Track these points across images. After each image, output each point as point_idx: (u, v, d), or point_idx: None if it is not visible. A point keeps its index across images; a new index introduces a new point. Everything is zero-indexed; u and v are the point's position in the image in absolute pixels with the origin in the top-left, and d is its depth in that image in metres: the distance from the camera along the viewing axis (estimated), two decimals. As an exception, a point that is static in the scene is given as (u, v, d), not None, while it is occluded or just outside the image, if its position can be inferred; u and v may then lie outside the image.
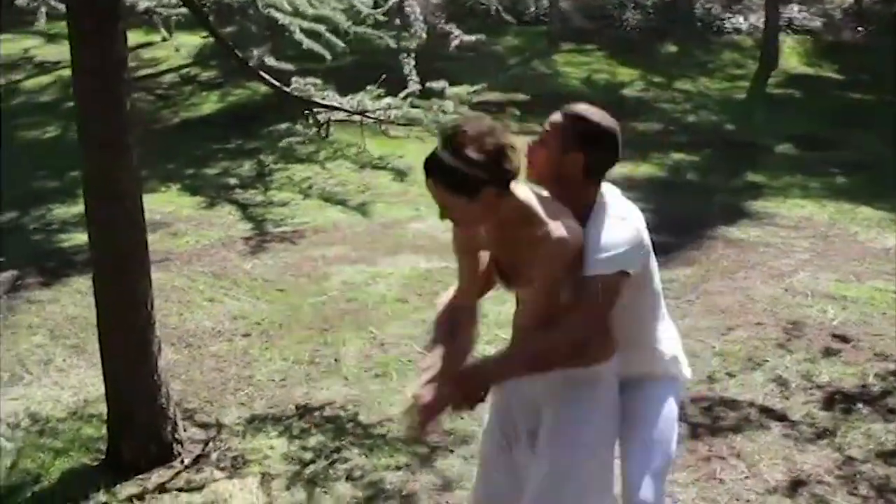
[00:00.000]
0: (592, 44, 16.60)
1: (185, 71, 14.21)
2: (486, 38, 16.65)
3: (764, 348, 5.66)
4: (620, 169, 10.82)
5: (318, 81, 4.63)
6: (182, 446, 4.29)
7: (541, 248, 2.63)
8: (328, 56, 5.14)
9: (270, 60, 5.64)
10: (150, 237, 7.51)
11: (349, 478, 4.18)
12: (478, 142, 2.54)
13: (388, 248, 7.65)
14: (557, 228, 2.63)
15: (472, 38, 6.82)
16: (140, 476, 4.12)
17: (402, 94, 5.04)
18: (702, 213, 8.81)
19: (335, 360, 5.49)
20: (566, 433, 2.80)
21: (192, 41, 14.91)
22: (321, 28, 4.99)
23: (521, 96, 5.32)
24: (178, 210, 8.72)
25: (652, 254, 2.86)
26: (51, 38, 14.80)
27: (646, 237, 2.77)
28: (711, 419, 4.84)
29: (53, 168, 9.93)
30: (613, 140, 2.77)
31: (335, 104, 4.71)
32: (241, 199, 9.20)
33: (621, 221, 2.72)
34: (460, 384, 2.62)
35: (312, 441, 4.52)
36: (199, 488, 4.07)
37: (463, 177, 2.54)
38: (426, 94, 5.22)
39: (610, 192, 2.82)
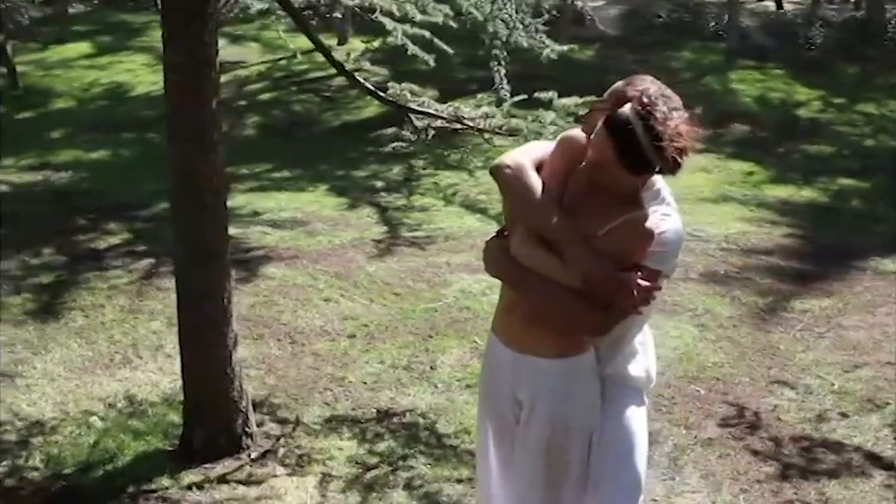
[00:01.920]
0: (772, 62, 15.94)
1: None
2: (663, 53, 16.37)
3: (888, 390, 5.27)
4: (777, 191, 10.35)
5: (415, 87, 4.62)
6: (252, 440, 4.36)
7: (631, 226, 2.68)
8: (431, 62, 5.12)
9: (366, 64, 5.66)
10: (286, 234, 7.95)
11: (408, 486, 4.15)
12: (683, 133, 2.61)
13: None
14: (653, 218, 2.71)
15: (564, 48, 6.61)
16: (207, 465, 4.22)
17: (506, 103, 4.98)
18: (856, 243, 8.30)
19: (431, 367, 5.47)
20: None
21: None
22: (426, 33, 4.98)
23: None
24: (320, 210, 8.90)
25: None
26: (234, 39, 15.48)
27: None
28: (807, 461, 4.54)
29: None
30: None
31: (431, 111, 4.68)
32: (382, 202, 9.32)
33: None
34: None
35: (382, 446, 4.51)
36: (258, 482, 4.12)
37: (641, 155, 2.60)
38: (535, 103, 5.15)
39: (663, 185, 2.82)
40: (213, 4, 3.94)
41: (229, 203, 8.77)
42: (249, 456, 4.29)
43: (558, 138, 2.91)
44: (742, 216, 8.98)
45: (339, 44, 15.76)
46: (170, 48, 3.98)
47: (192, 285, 4.19)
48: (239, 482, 4.11)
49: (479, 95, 5.19)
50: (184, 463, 4.22)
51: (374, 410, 4.90)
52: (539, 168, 2.84)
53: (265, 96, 13.62)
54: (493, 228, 8.34)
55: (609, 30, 17.36)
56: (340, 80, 14.39)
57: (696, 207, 9.22)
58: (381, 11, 4.83)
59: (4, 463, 4.29)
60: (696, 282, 7.03)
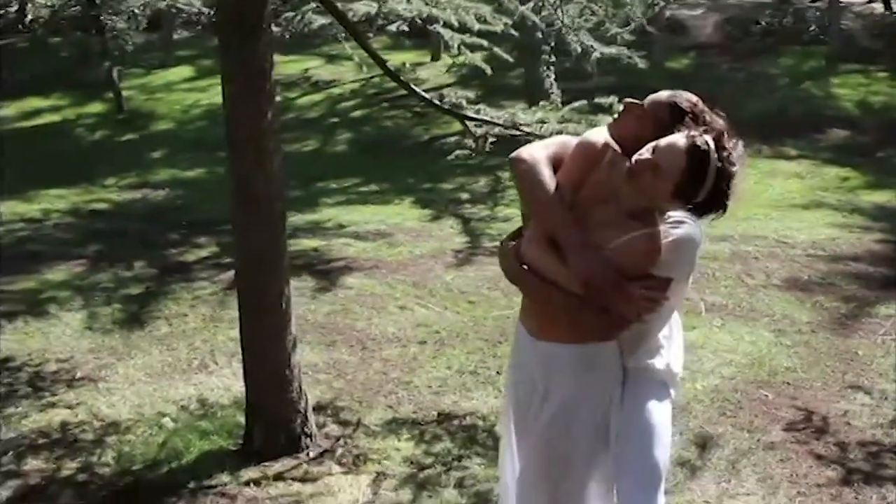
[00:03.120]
0: (877, 65, 15.49)
1: (447, 90, 14.72)
2: (762, 59, 16.06)
3: (969, 397, 5.10)
4: (872, 197, 10.04)
5: (470, 95, 4.69)
6: (311, 439, 4.48)
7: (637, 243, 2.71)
8: (489, 70, 5.19)
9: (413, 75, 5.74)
10: (368, 246, 8.12)
11: (459, 485, 4.21)
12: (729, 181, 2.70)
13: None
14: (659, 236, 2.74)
15: (613, 49, 6.55)
16: (266, 463, 4.36)
17: (564, 109, 5.01)
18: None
19: (497, 372, 5.51)
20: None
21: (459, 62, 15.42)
22: (484, 42, 5.05)
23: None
24: (403, 222, 9.04)
25: None
26: (330, 58, 15.83)
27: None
28: (873, 466, 4.43)
29: (303, 178, 10.59)
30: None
31: (486, 118, 4.74)
32: (466, 213, 9.41)
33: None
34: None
35: (439, 447, 4.58)
36: (313, 480, 4.24)
37: (695, 189, 2.69)
38: (596, 109, 5.16)
39: None
40: (267, 19, 4.09)
41: (315, 217, 9.18)
42: (307, 455, 4.41)
43: (578, 140, 2.94)
44: (833, 222, 8.76)
45: (432, 60, 15.99)
46: (225, 61, 4.15)
47: (252, 291, 4.35)
48: (294, 479, 4.23)
49: (542, 102, 5.21)
50: (244, 461, 4.37)
51: (435, 413, 4.98)
52: (557, 165, 2.88)
53: (357, 113, 13.89)
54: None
55: (705, 38, 17.16)
56: (431, 96, 14.61)
57: (786, 213, 9.05)
58: (440, 23, 4.92)
59: (79, 459, 4.51)
60: (778, 288, 6.91)
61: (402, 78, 4.71)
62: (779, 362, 5.62)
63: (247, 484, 4.20)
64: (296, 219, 9.25)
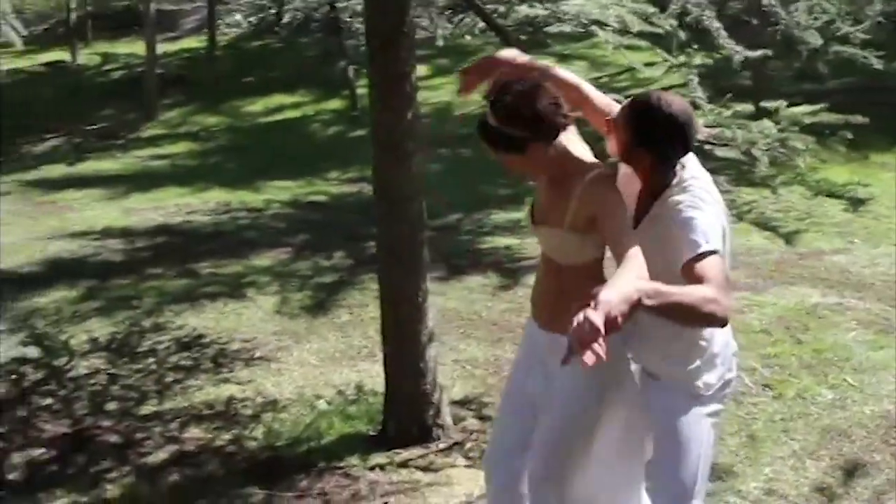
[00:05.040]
0: None
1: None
2: None
3: None
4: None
5: (620, 98, 4.65)
6: (443, 431, 4.62)
7: (582, 191, 2.83)
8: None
9: None
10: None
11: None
12: (519, 106, 2.78)
13: (788, 277, 7.26)
14: (591, 170, 2.85)
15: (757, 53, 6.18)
16: (396, 450, 4.54)
17: (728, 113, 4.88)
18: None
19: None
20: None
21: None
22: (643, 43, 5.00)
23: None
24: (603, 223, 8.98)
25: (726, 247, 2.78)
26: (563, 58, 15.88)
27: (719, 225, 2.74)
28: None
29: (513, 177, 10.71)
30: (681, 132, 2.77)
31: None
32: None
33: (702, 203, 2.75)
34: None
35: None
36: (436, 470, 4.37)
37: (509, 138, 2.79)
38: (761, 113, 5.00)
39: (690, 175, 2.84)
40: (408, 27, 4.26)
41: (516, 215, 9.31)
42: (437, 446, 4.55)
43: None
44: None
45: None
46: (371, 66, 4.36)
47: (390, 285, 4.54)
48: (418, 468, 4.38)
49: (710, 106, 5.07)
50: (377, 447, 4.57)
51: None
52: None
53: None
54: (779, 248, 8.08)
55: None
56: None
57: None
58: (597, 24, 4.92)
59: (233, 432, 4.87)
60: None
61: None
62: (964, 390, 5.21)
63: (372, 468, 4.40)
64: (498, 217, 9.44)
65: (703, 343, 2.89)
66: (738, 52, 5.22)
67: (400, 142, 4.34)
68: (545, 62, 3.16)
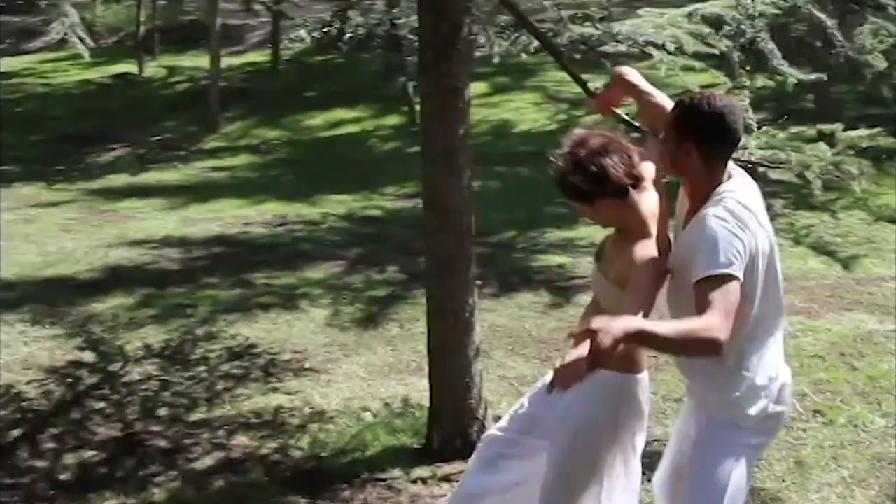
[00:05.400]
0: None
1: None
2: None
3: None
4: None
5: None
6: (486, 446, 4.61)
7: (627, 256, 2.93)
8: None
9: None
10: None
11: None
12: (588, 162, 2.92)
13: (845, 303, 7.15)
14: (644, 249, 2.91)
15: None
16: (440, 464, 4.55)
17: (781, 135, 4.84)
18: None
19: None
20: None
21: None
22: (696, 64, 4.98)
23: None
24: (658, 244, 8.93)
25: (761, 272, 2.76)
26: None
27: (745, 243, 2.68)
28: None
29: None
30: (724, 125, 2.78)
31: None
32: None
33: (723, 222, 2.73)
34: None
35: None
36: (477, 486, 4.37)
37: (577, 189, 2.95)
38: (819, 136, 4.95)
39: (728, 187, 2.82)
40: (462, 43, 4.30)
41: (571, 234, 9.29)
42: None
43: None
44: None
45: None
46: (424, 80, 4.40)
47: (437, 298, 4.56)
48: (459, 482, 4.38)
49: (764, 128, 5.03)
50: (421, 460, 4.59)
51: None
52: None
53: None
54: (836, 273, 7.97)
55: None
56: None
57: None
58: (651, 44, 4.91)
59: (279, 440, 4.92)
60: None
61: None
62: None
63: (414, 481, 4.42)
64: (552, 235, 9.42)
65: (746, 374, 2.84)
66: (792, 76, 5.14)
67: (451, 155, 4.37)
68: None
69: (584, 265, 8.20)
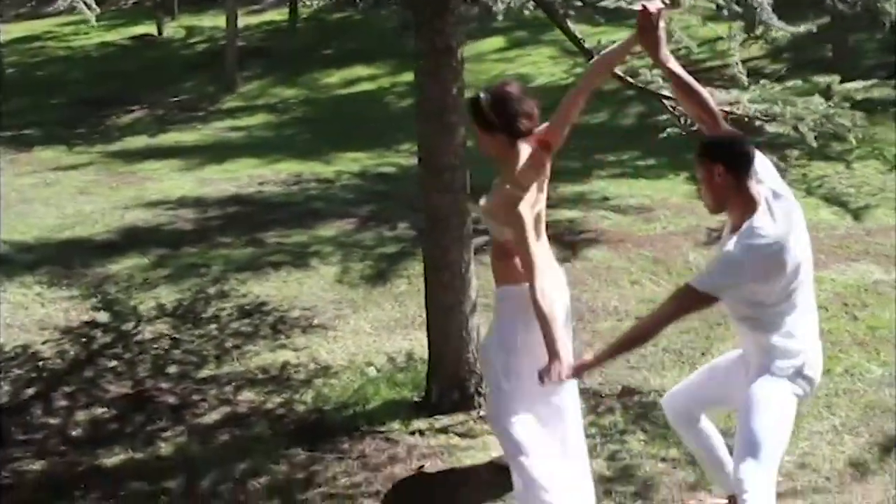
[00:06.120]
0: None
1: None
2: None
3: None
4: None
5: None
6: (484, 399, 4.71)
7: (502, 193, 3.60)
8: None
9: None
10: (624, 220, 8.17)
11: (611, 458, 4.30)
12: (508, 99, 3.61)
13: (852, 253, 7.16)
14: (513, 189, 3.57)
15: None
16: (437, 416, 4.66)
17: (777, 88, 4.84)
18: None
19: (702, 353, 5.46)
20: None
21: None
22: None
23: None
24: (670, 197, 8.96)
25: (776, 277, 3.23)
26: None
27: (749, 269, 3.19)
28: None
29: (583, 150, 10.71)
30: (740, 142, 3.33)
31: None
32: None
33: (736, 247, 3.22)
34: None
35: (607, 420, 4.67)
36: (473, 436, 4.49)
37: (484, 116, 3.63)
38: (813, 88, 4.95)
39: (762, 211, 3.25)
40: (454, 2, 4.34)
41: (583, 188, 9.32)
42: (478, 413, 4.65)
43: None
44: None
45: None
46: (418, 39, 4.45)
47: (433, 254, 4.64)
48: (456, 433, 4.50)
49: (763, 81, 5.03)
50: (419, 413, 4.70)
51: (619, 387, 5.04)
52: None
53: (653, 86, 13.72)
54: (847, 223, 7.97)
55: None
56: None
57: None
58: None
59: (283, 395, 5.05)
60: None
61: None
62: None
63: (412, 433, 4.53)
64: (564, 189, 9.43)
65: (782, 340, 3.34)
66: (782, 29, 5.13)
67: (444, 114, 4.43)
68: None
69: (595, 219, 8.27)
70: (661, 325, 3.40)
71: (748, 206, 3.24)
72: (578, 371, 3.46)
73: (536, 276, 3.46)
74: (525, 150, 3.64)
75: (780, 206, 3.27)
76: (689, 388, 3.71)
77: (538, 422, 3.64)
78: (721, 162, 3.25)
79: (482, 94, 3.65)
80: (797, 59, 13.17)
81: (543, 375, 3.38)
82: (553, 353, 3.39)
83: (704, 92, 3.57)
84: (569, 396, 3.77)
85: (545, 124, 3.72)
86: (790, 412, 3.34)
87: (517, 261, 3.57)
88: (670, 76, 3.60)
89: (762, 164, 3.38)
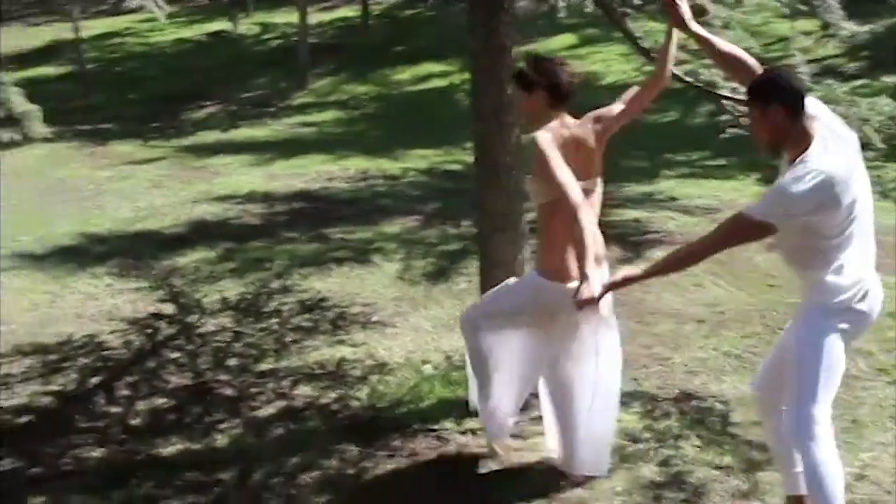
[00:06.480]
0: None
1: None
2: None
3: None
4: None
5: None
6: (538, 400, 4.66)
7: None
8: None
9: None
10: (690, 220, 8.07)
11: (663, 463, 4.23)
12: (550, 61, 3.95)
13: (927, 258, 6.96)
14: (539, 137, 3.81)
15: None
16: (488, 416, 4.63)
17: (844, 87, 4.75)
18: None
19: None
20: None
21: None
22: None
23: None
24: (738, 198, 8.82)
25: (831, 210, 3.18)
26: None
27: (801, 200, 3.13)
28: None
29: (652, 149, 10.64)
30: (790, 79, 3.31)
31: (738, 96, 4.62)
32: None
33: (789, 178, 3.18)
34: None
35: (663, 424, 4.60)
36: (525, 437, 4.45)
37: (526, 76, 3.87)
38: (883, 88, 4.83)
39: (817, 145, 3.22)
40: (508, 1, 4.33)
41: (650, 188, 9.23)
42: (531, 414, 4.62)
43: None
44: None
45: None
46: (473, 39, 4.45)
47: (488, 253, 4.63)
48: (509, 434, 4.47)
49: (827, 81, 4.93)
50: (473, 413, 4.68)
51: (677, 391, 4.97)
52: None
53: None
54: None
55: None
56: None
57: None
58: None
59: (339, 391, 5.09)
60: None
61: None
62: None
63: (463, 432, 4.53)
64: (629, 189, 9.37)
65: (834, 275, 3.30)
66: (845, 29, 5.03)
67: (500, 114, 4.42)
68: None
69: (661, 219, 8.17)
70: (711, 251, 3.37)
71: (803, 140, 3.23)
72: (623, 282, 3.48)
73: (571, 193, 3.64)
74: (569, 121, 3.93)
75: (834, 141, 3.26)
76: (764, 368, 3.74)
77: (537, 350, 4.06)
78: (776, 101, 3.24)
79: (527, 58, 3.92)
80: (877, 57, 12.87)
81: (573, 299, 3.52)
82: (583, 275, 3.50)
83: (742, 52, 3.60)
84: (604, 340, 3.98)
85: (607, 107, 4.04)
86: (839, 352, 3.35)
87: (547, 241, 3.88)
88: (700, 42, 3.69)
89: (812, 100, 3.38)
